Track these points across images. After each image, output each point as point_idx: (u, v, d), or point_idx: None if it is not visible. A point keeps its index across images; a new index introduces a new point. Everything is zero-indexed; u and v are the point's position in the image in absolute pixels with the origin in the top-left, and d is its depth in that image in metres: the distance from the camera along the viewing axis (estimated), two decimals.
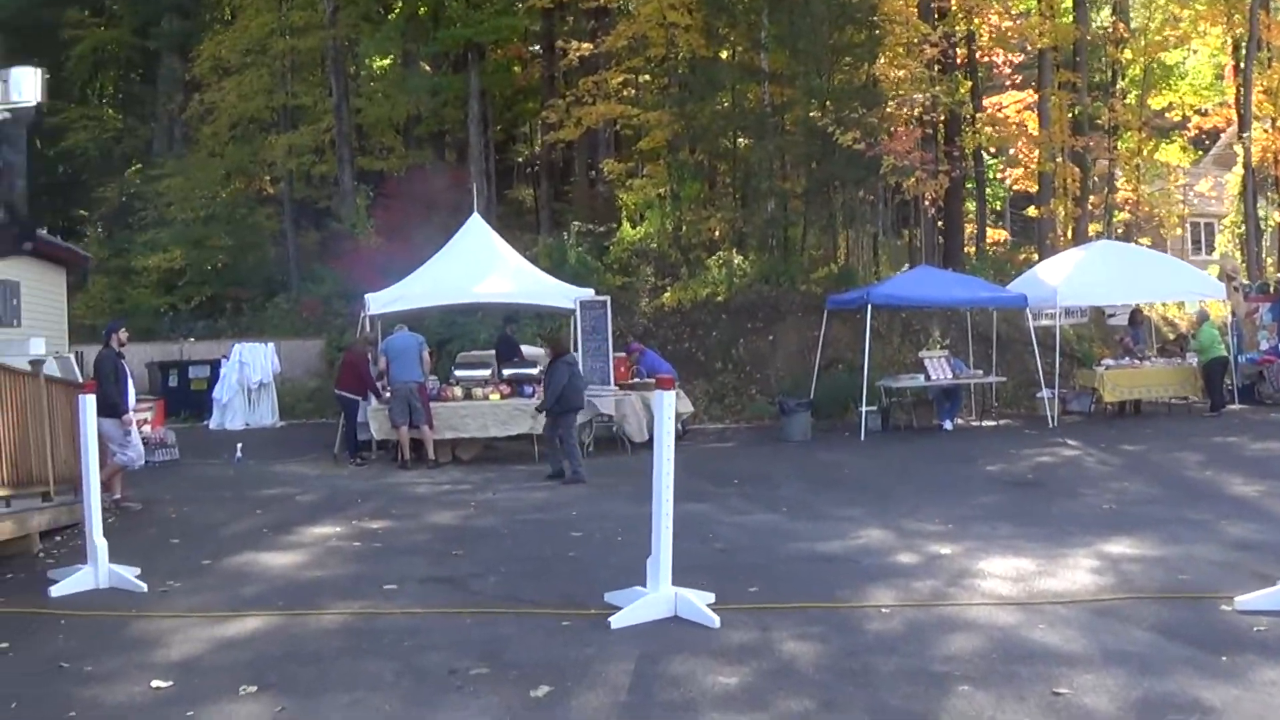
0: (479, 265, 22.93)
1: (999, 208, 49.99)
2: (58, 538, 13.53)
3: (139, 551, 12.46)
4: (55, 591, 10.67)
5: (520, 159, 52.08)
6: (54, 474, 13.77)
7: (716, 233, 36.00)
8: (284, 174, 43.85)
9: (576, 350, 22.06)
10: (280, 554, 12.59)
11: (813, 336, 28.20)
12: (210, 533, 14.11)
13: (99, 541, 11.01)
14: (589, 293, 23.16)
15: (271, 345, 30.65)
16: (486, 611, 9.75)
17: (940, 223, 39.70)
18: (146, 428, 21.53)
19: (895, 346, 29.62)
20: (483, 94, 40.36)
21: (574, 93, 36.66)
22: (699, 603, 9.25)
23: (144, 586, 10.77)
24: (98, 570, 10.96)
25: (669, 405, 9.34)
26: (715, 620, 8.96)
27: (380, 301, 22.41)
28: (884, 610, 9.40)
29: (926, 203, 37.03)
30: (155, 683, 7.95)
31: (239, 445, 22.58)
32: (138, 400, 19.66)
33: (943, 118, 35.83)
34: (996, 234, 47.04)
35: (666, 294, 32.43)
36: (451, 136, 46.15)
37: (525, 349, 24.06)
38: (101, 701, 7.65)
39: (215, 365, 30.58)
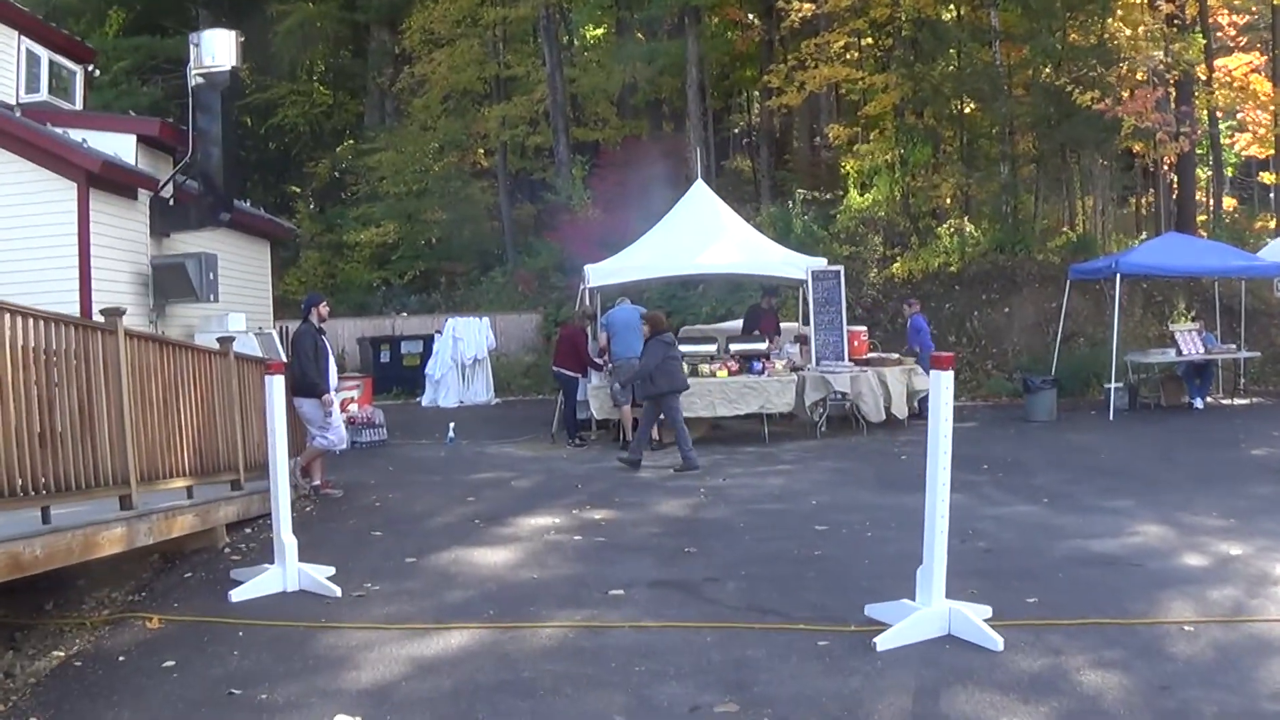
0: (703, 234, 21.48)
1: (1230, 174, 47.40)
2: (248, 529, 12.36)
3: (336, 546, 11.41)
4: (236, 595, 9.47)
5: (736, 130, 50.69)
6: (245, 460, 12.65)
7: (948, 200, 34.24)
8: (498, 146, 43.19)
9: (807, 324, 20.66)
10: (492, 550, 11.22)
11: (1050, 308, 27.18)
12: (416, 524, 12.85)
13: (287, 539, 9.77)
14: (821, 262, 21.56)
15: (486, 320, 29.98)
16: (729, 626, 8.29)
17: (1175, 189, 37.39)
18: (354, 406, 20.68)
19: (1137, 319, 27.74)
20: (700, 60, 38.89)
21: (795, 56, 35.11)
22: (976, 619, 7.82)
23: (336, 591, 9.54)
24: (285, 571, 9.73)
25: (947, 389, 7.78)
26: (998, 641, 7.52)
27: (600, 273, 21.17)
28: (1186, 629, 7.98)
29: (1166, 167, 34.78)
30: (340, 718, 6.66)
31: (451, 424, 21.59)
32: (343, 378, 18.73)
33: (1175, 78, 33.50)
34: (1227, 201, 44.52)
35: (896, 264, 30.95)
36: (668, 106, 45.08)
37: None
38: None
39: (428, 341, 30.13)
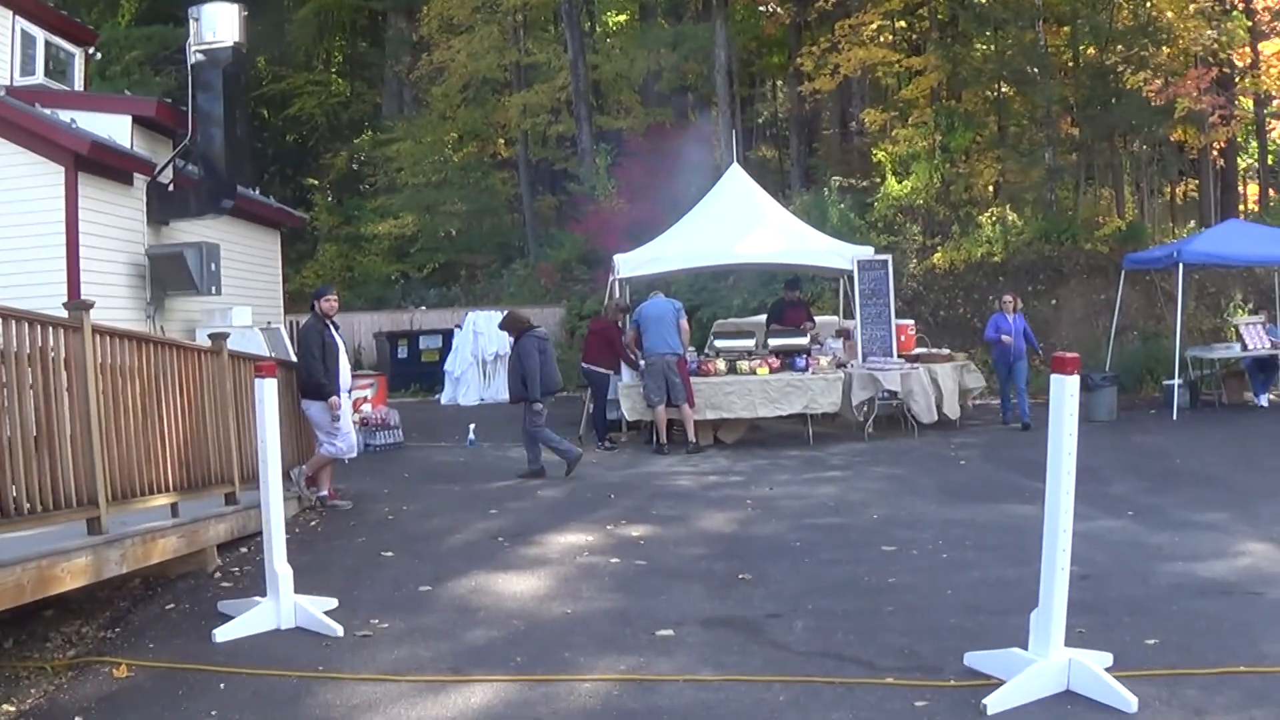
0: (741, 221, 20.29)
1: (1271, 162, 46.35)
2: (244, 549, 10.97)
3: (341, 570, 10.14)
4: (220, 635, 8.10)
5: (760, 120, 49.58)
6: (242, 470, 11.23)
7: (990, 188, 33.04)
8: (519, 135, 42.44)
9: (853, 317, 19.44)
10: (518, 575, 9.85)
11: (1099, 300, 26.31)
12: (432, 542, 11.52)
13: (280, 569, 8.41)
14: (867, 251, 20.35)
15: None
16: (803, 681, 6.88)
17: (1220, 177, 36.20)
18: (367, 406, 19.41)
19: (1190, 311, 26.37)
20: (728, 44, 37.70)
21: (828, 39, 33.97)
22: (1100, 672, 6.43)
23: (338, 629, 8.15)
24: (279, 605, 8.36)
25: (1071, 398, 6.43)
26: (1130, 701, 6.15)
27: (631, 264, 20.03)
28: None
29: (1215, 153, 33.52)
30: None
31: (472, 426, 20.45)
32: (357, 375, 17.53)
33: (1226, 57, 32.20)
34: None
35: (937, 254, 29.71)
36: (694, 93, 43.99)
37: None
38: None
39: (448, 335, 29.24)
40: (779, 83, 46.23)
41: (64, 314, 8.20)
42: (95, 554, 7.94)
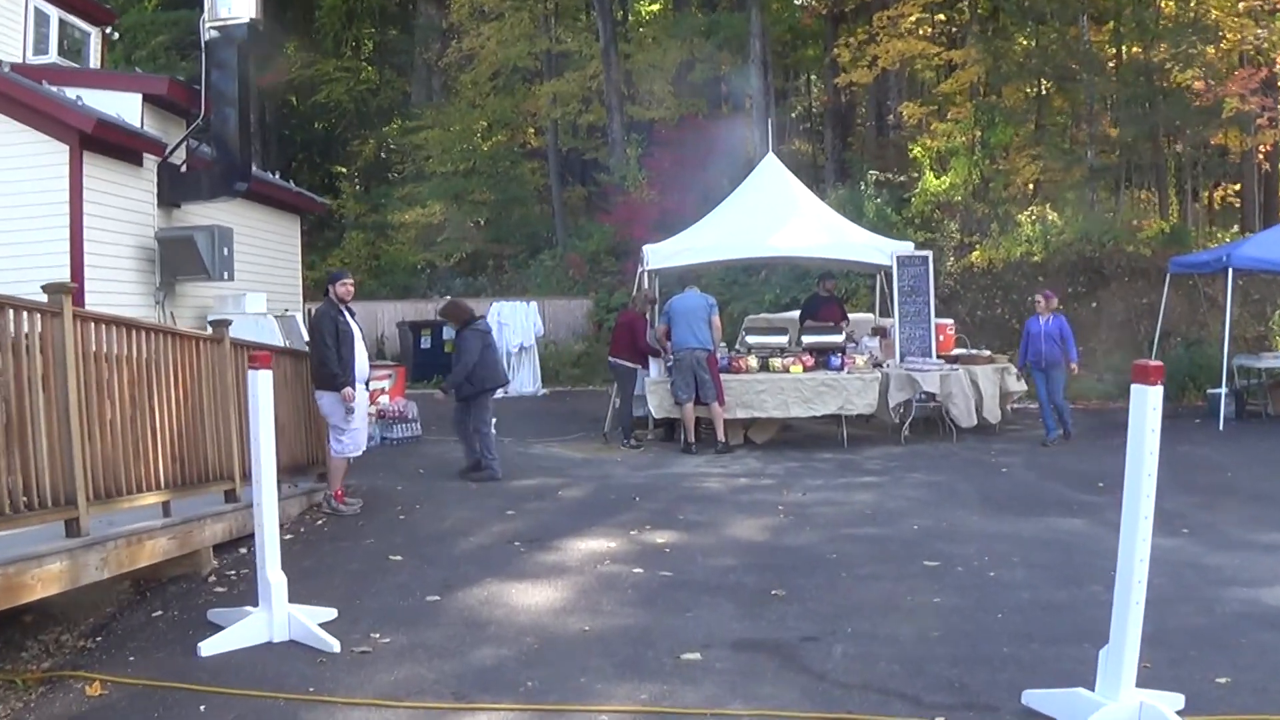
0: (776, 213, 19.54)
1: None
2: (242, 549, 10.21)
3: (344, 575, 9.51)
4: (206, 648, 7.44)
5: (794, 114, 48.96)
6: (243, 465, 10.46)
7: (1030, 186, 32.32)
8: (548, 125, 42.12)
9: (890, 315, 18.71)
10: (533, 585, 9.16)
11: (1140, 304, 25.45)
12: (444, 546, 10.83)
13: (274, 577, 7.76)
14: (908, 246, 19.59)
15: (534, 305, 28.56)
16: (845, 719, 6.18)
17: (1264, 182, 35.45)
18: (384, 398, 18.70)
19: (1233, 318, 25.59)
20: (764, 33, 37.07)
21: (865, 30, 33.36)
22: (1172, 716, 5.76)
23: (334, 644, 7.47)
24: (272, 617, 7.72)
25: (1154, 411, 5.73)
26: None
27: (660, 255, 19.34)
28: None
29: (1260, 157, 32.72)
30: None
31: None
32: (375, 365, 16.91)
33: (1272, 58, 31.45)
34: None
35: (975, 252, 29.00)
36: (727, 84, 43.47)
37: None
38: None
39: None
40: (814, 76, 45.60)
41: (43, 297, 7.56)
42: (71, 559, 7.32)
